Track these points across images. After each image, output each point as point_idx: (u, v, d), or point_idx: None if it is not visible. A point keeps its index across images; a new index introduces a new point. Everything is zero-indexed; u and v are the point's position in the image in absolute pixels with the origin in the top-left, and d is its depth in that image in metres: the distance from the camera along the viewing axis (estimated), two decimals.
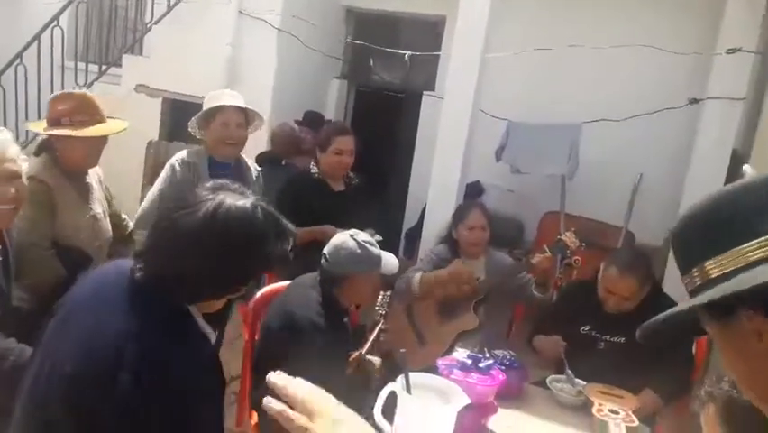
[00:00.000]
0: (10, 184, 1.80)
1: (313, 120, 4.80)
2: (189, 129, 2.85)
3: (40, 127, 2.37)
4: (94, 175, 2.49)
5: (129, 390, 1.19)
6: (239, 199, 1.33)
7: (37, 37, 5.50)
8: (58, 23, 5.51)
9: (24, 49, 5.55)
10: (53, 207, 2.22)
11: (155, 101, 5.12)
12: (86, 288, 1.40)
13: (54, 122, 2.31)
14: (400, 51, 3.99)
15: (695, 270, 0.84)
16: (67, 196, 2.30)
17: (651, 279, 2.60)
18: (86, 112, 2.35)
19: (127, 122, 2.53)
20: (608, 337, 2.63)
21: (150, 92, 5.14)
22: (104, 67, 5.57)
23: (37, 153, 2.33)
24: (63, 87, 5.54)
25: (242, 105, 2.77)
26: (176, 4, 5.19)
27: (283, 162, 4.22)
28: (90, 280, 1.42)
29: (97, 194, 2.47)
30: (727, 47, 3.52)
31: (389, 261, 2.36)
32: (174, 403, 1.22)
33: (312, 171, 3.20)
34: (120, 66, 5.45)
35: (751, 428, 1.40)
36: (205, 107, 2.76)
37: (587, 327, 2.67)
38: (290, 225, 1.41)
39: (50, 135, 2.30)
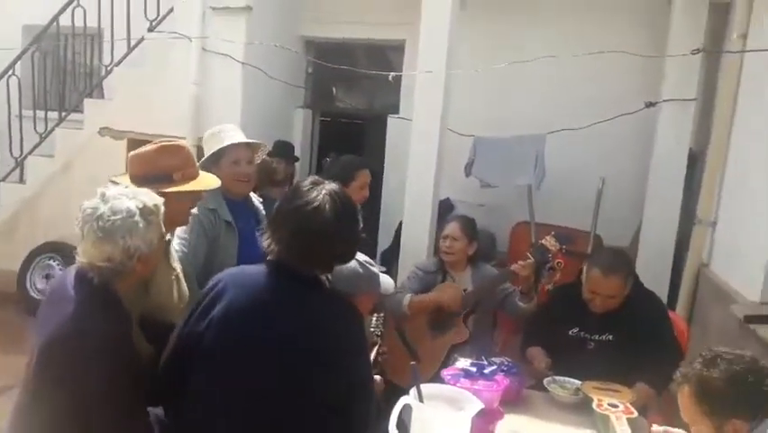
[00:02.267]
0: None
1: (283, 149, 4.83)
2: None
3: (125, 181, 2.01)
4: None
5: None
6: (331, 185, 1.67)
7: None
8: (14, 71, 5.44)
9: None
10: (147, 280, 1.91)
11: (120, 143, 5.07)
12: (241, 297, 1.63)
13: (164, 177, 2.01)
14: (381, 72, 4.07)
15: None
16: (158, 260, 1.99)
17: (632, 275, 2.70)
18: (193, 164, 2.15)
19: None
20: (596, 337, 2.70)
21: (115, 134, 5.09)
22: (63, 113, 5.52)
23: None
24: (22, 137, 5.48)
25: (247, 139, 2.71)
26: (136, 46, 5.19)
27: (258, 194, 4.22)
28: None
29: (173, 252, 2.20)
30: (677, 50, 3.72)
31: (386, 281, 2.40)
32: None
33: None
34: (81, 111, 5.40)
35: (722, 403, 1.50)
36: (207, 147, 2.67)
37: (575, 330, 2.73)
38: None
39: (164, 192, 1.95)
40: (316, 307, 1.64)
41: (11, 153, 5.50)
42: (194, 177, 2.13)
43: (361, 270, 2.30)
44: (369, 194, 3.20)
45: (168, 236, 2.05)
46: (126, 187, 1.77)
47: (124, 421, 1.58)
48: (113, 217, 1.60)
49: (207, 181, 2.20)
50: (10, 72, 5.43)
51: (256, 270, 1.69)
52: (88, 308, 1.59)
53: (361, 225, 1.72)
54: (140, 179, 1.99)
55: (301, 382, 1.56)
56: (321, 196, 1.62)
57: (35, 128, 5.47)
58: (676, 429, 1.87)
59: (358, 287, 2.29)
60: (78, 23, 5.27)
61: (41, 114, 5.49)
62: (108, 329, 1.57)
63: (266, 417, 1.56)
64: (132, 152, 2.10)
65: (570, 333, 2.73)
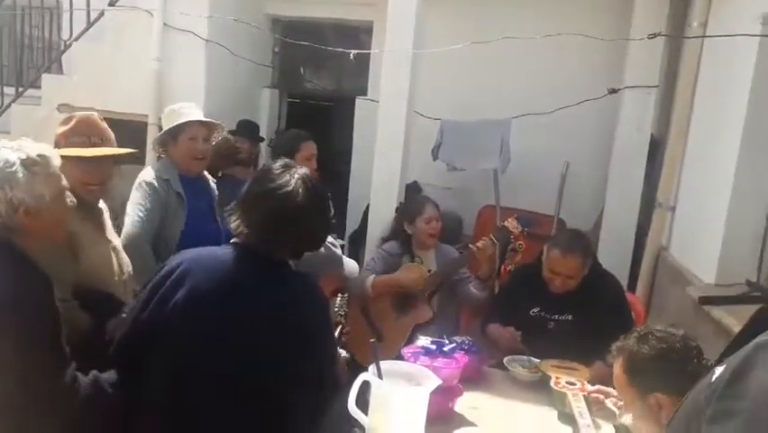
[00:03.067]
0: (68, 197, 1.70)
1: (247, 129, 4.76)
2: (152, 149, 2.82)
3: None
4: (102, 205, 2.22)
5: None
6: (302, 169, 1.66)
7: None
8: None
9: None
10: (74, 245, 1.90)
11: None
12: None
13: (54, 145, 2.00)
14: (345, 51, 4.02)
15: None
16: (83, 229, 1.98)
17: (591, 256, 2.76)
18: (86, 133, 2.09)
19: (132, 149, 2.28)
20: (556, 317, 2.76)
21: (75, 111, 4.92)
22: (20, 89, 5.34)
23: None
24: None
25: (204, 118, 2.78)
26: (96, 20, 5.03)
27: (220, 174, 4.17)
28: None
29: (108, 223, 2.21)
30: (638, 35, 3.76)
31: (350, 264, 2.41)
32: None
33: None
34: (39, 87, 5.23)
35: (644, 376, 1.59)
36: (165, 123, 2.73)
37: (536, 309, 2.79)
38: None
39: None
40: (285, 290, 1.62)
41: None
42: (88, 146, 2.06)
43: (323, 250, 2.30)
44: (316, 166, 3.23)
45: (101, 206, 2.12)
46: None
47: (43, 377, 1.49)
48: None
49: (102, 150, 2.09)
50: None
51: (221, 252, 1.64)
52: None
53: (332, 211, 1.74)
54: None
55: (269, 366, 1.55)
56: (294, 180, 1.59)
57: None
58: (610, 389, 1.95)
59: (320, 266, 2.30)
60: None
61: None
62: (12, 287, 1.49)
63: (233, 399, 1.54)
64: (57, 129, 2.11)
65: (530, 312, 2.79)
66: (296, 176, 1.61)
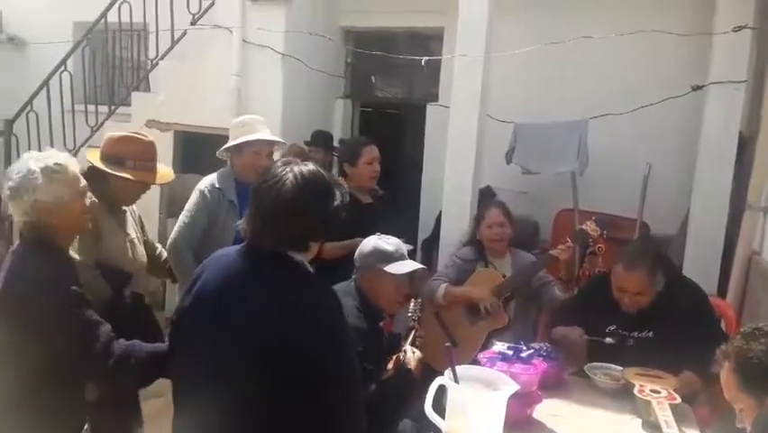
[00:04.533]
0: (87, 197, 2.00)
1: (321, 139, 4.88)
2: (218, 155, 3.02)
3: (95, 159, 2.44)
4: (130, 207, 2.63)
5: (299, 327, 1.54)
6: (305, 165, 1.63)
7: (45, 83, 5.63)
8: (65, 67, 5.64)
9: (34, 95, 5.68)
10: (97, 233, 2.29)
11: (166, 135, 5.21)
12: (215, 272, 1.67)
13: (118, 161, 2.40)
14: (417, 58, 4.07)
15: None
16: (107, 223, 2.39)
17: (661, 268, 2.56)
18: (150, 158, 2.49)
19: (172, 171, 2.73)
20: (635, 334, 2.61)
21: (161, 126, 5.23)
22: (113, 107, 5.70)
23: None
24: (75, 131, 5.68)
25: (270, 137, 2.96)
26: (179, 39, 5.31)
27: None
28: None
29: (132, 222, 2.59)
30: (723, 29, 3.58)
31: (408, 264, 2.40)
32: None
33: None
34: (129, 104, 5.56)
35: (763, 375, 1.46)
36: (235, 133, 2.91)
37: (612, 327, 2.63)
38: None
39: (110, 173, 2.39)
40: (285, 286, 1.59)
41: (65, 146, 5.71)
42: (148, 169, 2.45)
43: (382, 244, 2.38)
44: (379, 168, 3.34)
45: (125, 208, 2.54)
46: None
47: (78, 338, 1.77)
48: (15, 176, 1.83)
49: (159, 175, 2.52)
50: (62, 68, 5.63)
51: (233, 249, 1.71)
52: (19, 261, 1.82)
53: (337, 202, 1.65)
54: (103, 157, 2.43)
55: (265, 363, 1.51)
56: (284, 174, 1.59)
57: (87, 121, 5.66)
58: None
59: (380, 261, 2.33)
60: (125, 18, 5.42)
61: (91, 108, 5.69)
62: (39, 273, 1.76)
63: (231, 393, 1.54)
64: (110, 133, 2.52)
65: (607, 330, 2.64)
66: (288, 170, 1.60)
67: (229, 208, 2.83)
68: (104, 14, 5.49)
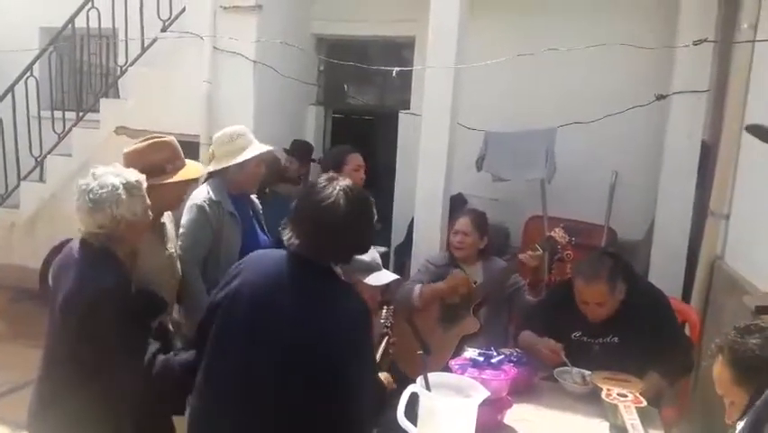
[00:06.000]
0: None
1: (300, 149, 4.89)
2: (207, 166, 2.87)
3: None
4: (167, 216, 2.53)
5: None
6: (346, 181, 1.74)
7: (11, 89, 5.53)
8: (31, 73, 5.55)
9: None
10: (135, 250, 2.20)
11: (136, 142, 5.15)
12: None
13: (158, 170, 2.32)
14: (388, 68, 4.10)
15: None
16: (148, 238, 2.29)
17: (620, 276, 2.59)
18: (180, 155, 2.46)
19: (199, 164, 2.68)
20: (600, 340, 2.65)
21: (131, 133, 5.16)
22: (80, 113, 5.61)
23: None
24: (41, 138, 5.58)
25: (267, 147, 2.89)
26: (149, 46, 5.26)
27: (267, 190, 4.27)
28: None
29: (170, 234, 2.53)
30: (686, 41, 3.68)
31: (385, 274, 2.41)
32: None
33: None
34: (97, 111, 5.48)
35: (757, 369, 1.49)
36: (229, 148, 2.78)
37: (578, 333, 2.68)
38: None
39: (158, 184, 2.28)
40: (325, 296, 1.70)
41: (31, 153, 5.61)
42: (182, 167, 2.43)
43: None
44: (364, 176, 3.37)
45: (163, 219, 2.45)
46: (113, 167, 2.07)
47: (128, 354, 1.89)
48: (100, 191, 1.94)
49: (194, 170, 2.49)
50: (28, 74, 5.53)
51: (275, 254, 1.78)
52: (89, 267, 1.94)
53: (376, 217, 1.79)
54: (144, 171, 2.25)
55: (299, 366, 1.61)
56: (336, 192, 1.68)
57: (53, 128, 5.58)
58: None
59: (354, 273, 2.33)
60: (93, 24, 5.36)
61: (58, 114, 5.60)
62: (107, 281, 1.89)
63: (263, 393, 1.62)
64: (126, 150, 2.40)
65: (573, 336, 2.69)
66: (337, 188, 1.70)
67: (231, 220, 2.72)
68: (71, 20, 5.41)
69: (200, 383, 1.73)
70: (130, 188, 1.98)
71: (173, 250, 2.50)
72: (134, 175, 2.03)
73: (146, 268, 2.25)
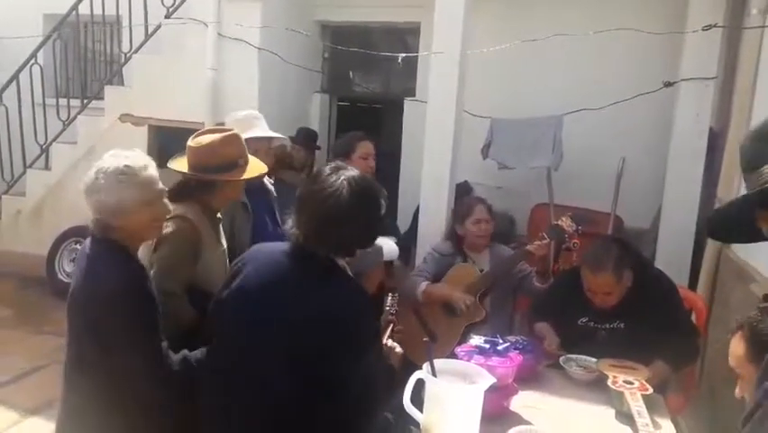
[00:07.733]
0: (161, 204, 1.92)
1: (306, 137, 4.87)
2: None
3: (182, 167, 2.20)
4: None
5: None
6: (353, 171, 1.67)
7: (15, 76, 5.53)
8: (36, 60, 5.53)
9: (4, 89, 5.57)
10: (198, 248, 2.13)
11: (141, 129, 5.15)
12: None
13: (230, 165, 2.21)
14: (392, 55, 4.06)
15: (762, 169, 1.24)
16: (208, 235, 2.20)
17: (628, 264, 2.58)
18: (246, 150, 2.32)
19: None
20: (606, 326, 2.65)
21: (135, 120, 5.17)
22: (85, 101, 5.60)
23: (177, 200, 2.11)
24: (46, 125, 5.58)
25: (270, 133, 2.87)
26: (153, 32, 5.24)
27: (272, 178, 4.27)
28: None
29: (222, 230, 2.41)
30: (694, 27, 3.65)
31: (389, 246, 2.42)
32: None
33: None
34: (102, 98, 5.48)
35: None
36: (247, 122, 2.78)
37: (584, 319, 2.68)
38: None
39: (219, 178, 2.19)
40: (328, 290, 1.64)
41: (36, 141, 5.62)
42: (248, 162, 2.30)
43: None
44: (374, 164, 3.33)
45: (219, 215, 2.32)
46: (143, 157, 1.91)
47: (139, 348, 1.77)
48: (91, 176, 1.82)
49: (260, 166, 2.36)
50: (32, 61, 5.52)
51: (276, 247, 1.74)
52: (95, 260, 1.83)
53: (384, 209, 1.72)
54: (204, 169, 2.16)
55: (301, 361, 1.57)
56: (339, 181, 1.62)
57: (58, 116, 5.57)
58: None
59: (366, 263, 2.32)
60: (97, 11, 5.33)
61: (63, 101, 5.60)
62: (112, 276, 1.77)
63: (267, 387, 1.60)
64: (193, 143, 2.19)
65: (579, 322, 2.69)
66: (342, 177, 1.63)
67: (243, 211, 2.68)
68: (75, 6, 5.39)
69: (207, 379, 1.72)
70: (118, 173, 1.80)
71: (226, 246, 2.36)
72: (130, 161, 1.83)
73: (204, 267, 2.14)
